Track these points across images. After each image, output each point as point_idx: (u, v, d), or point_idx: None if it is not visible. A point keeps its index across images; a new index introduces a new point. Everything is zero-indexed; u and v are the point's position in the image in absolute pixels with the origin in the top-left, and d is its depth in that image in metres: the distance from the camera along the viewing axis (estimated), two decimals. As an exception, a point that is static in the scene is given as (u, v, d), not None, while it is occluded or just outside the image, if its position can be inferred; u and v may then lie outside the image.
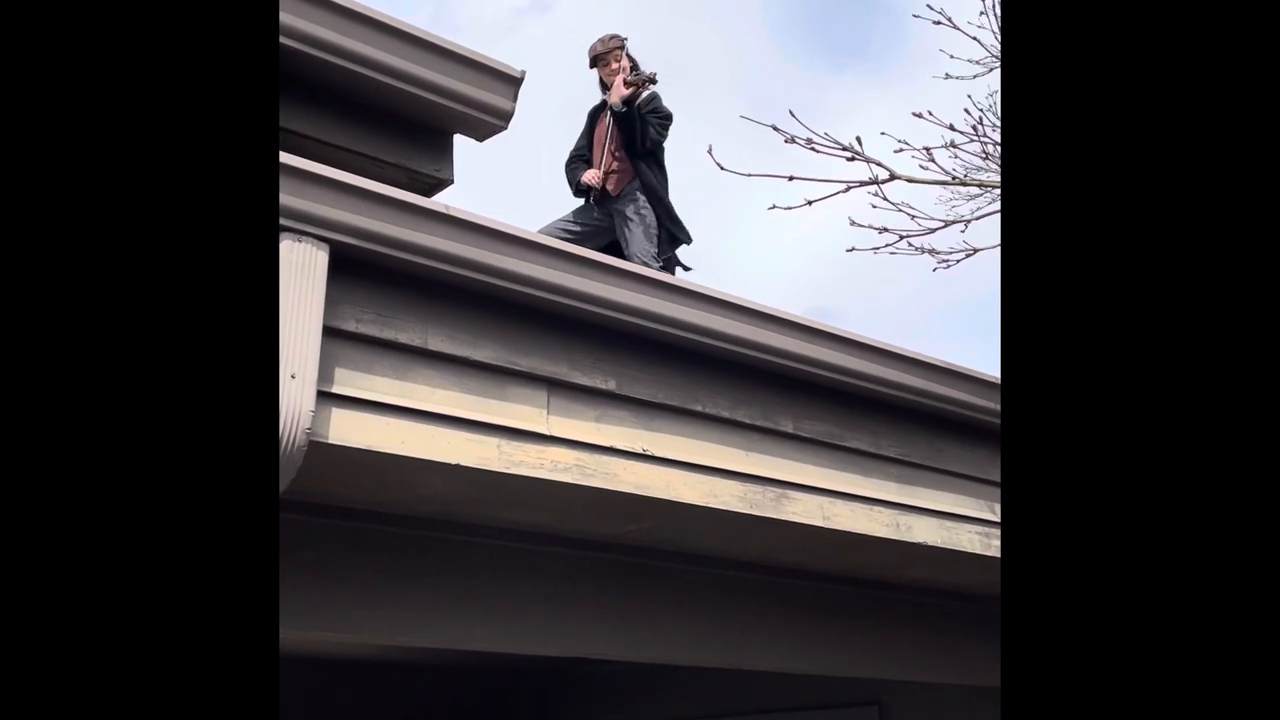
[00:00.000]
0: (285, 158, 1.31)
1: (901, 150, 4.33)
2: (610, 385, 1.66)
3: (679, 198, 4.58)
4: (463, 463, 1.46)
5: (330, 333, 1.36)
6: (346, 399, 1.38)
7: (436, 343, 1.49)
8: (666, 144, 4.63)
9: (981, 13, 5.08)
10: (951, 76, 5.37)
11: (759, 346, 1.84)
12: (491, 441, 1.50)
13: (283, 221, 1.30)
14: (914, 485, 2.08)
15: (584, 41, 4.69)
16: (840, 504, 1.92)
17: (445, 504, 1.68)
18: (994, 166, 5.62)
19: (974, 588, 2.48)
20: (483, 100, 1.75)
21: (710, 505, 1.73)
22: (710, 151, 3.64)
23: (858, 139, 3.95)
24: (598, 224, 4.63)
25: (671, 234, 4.48)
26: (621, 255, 4.35)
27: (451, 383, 1.50)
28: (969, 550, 2.11)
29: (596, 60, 4.65)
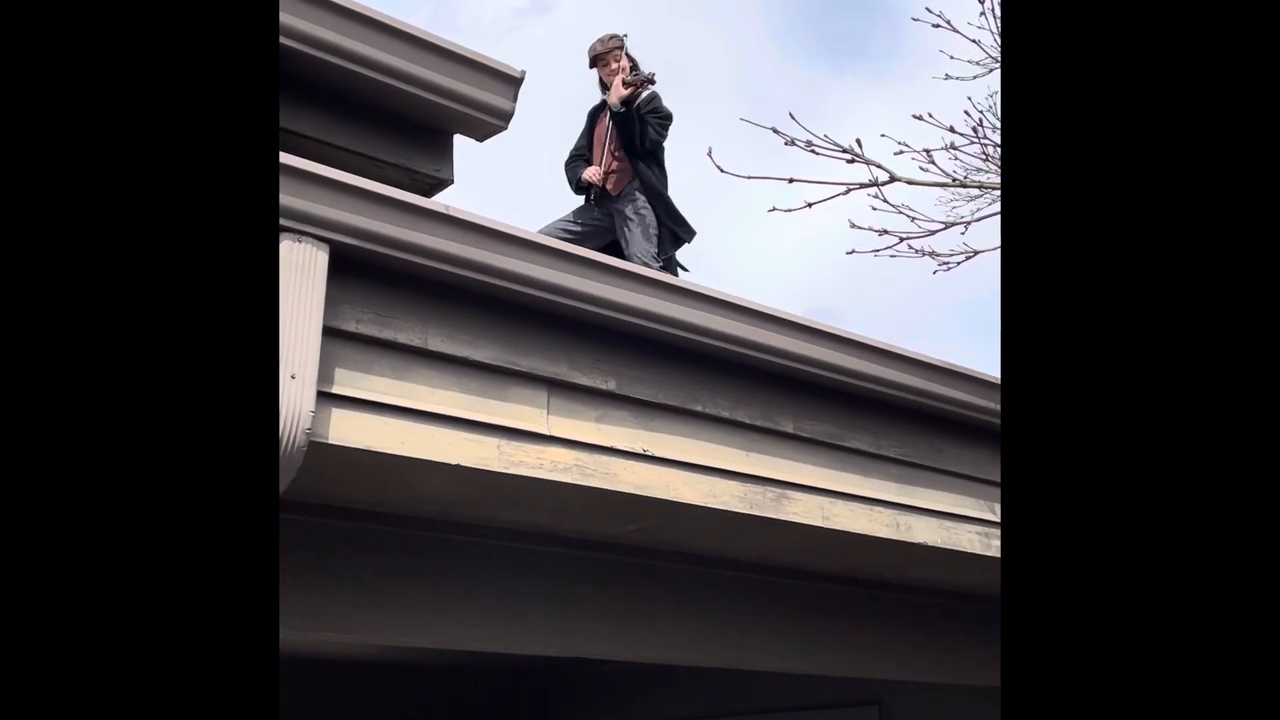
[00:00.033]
0: (285, 158, 1.31)
1: (901, 152, 4.34)
2: (610, 385, 1.66)
3: (680, 198, 4.59)
4: (462, 463, 1.46)
5: (330, 333, 1.36)
6: (346, 399, 1.38)
7: (436, 343, 1.49)
8: (666, 144, 4.63)
9: (981, 14, 5.09)
10: (952, 77, 5.37)
11: (759, 347, 1.84)
12: (491, 442, 1.50)
13: (283, 222, 1.30)
14: (914, 485, 2.08)
15: (584, 42, 4.70)
16: (840, 504, 1.92)
17: (445, 504, 1.68)
18: (994, 168, 5.62)
19: (974, 588, 2.49)
20: (483, 100, 1.75)
21: (710, 505, 1.73)
22: (710, 154, 3.64)
23: (858, 141, 3.96)
24: (598, 224, 4.63)
25: (674, 233, 4.47)
26: (621, 255, 4.35)
27: (451, 383, 1.50)
28: (969, 550, 2.11)
29: (596, 60, 4.65)
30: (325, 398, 1.34)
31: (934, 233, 4.79)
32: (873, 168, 4.08)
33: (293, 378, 1.25)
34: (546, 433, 1.56)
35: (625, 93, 4.44)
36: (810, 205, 3.90)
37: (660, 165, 4.59)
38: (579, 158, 4.73)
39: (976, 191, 6.70)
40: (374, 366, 1.43)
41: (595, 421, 1.64)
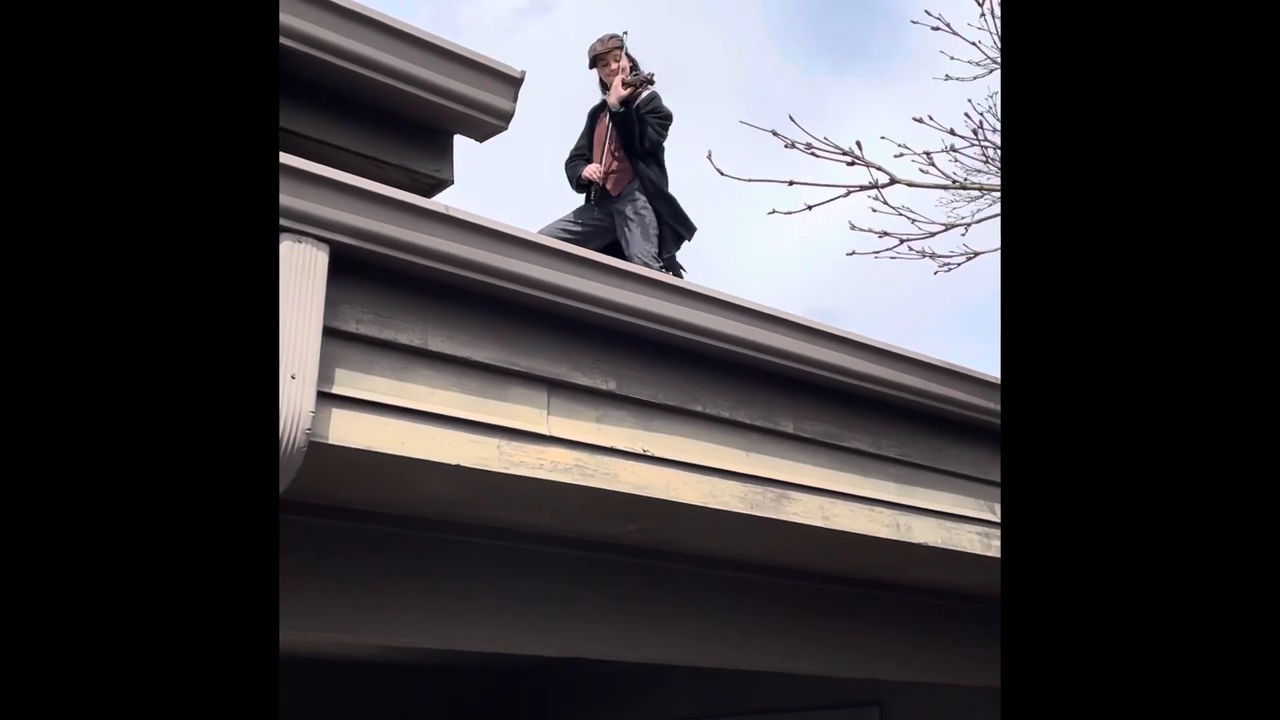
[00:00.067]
0: (285, 158, 1.31)
1: (902, 155, 4.34)
2: (610, 386, 1.67)
3: (681, 198, 4.58)
4: (463, 463, 1.46)
5: (330, 333, 1.36)
6: (346, 399, 1.38)
7: (436, 343, 1.49)
8: (666, 143, 4.63)
9: (981, 15, 5.09)
10: (952, 78, 5.37)
11: (759, 347, 1.84)
12: (491, 442, 1.50)
13: (283, 222, 1.30)
14: (914, 485, 2.08)
15: (584, 42, 4.70)
16: (840, 504, 1.92)
17: (445, 504, 1.68)
18: (994, 170, 5.63)
19: (974, 588, 2.48)
20: (483, 101, 1.75)
21: (710, 506, 1.73)
22: (710, 157, 3.64)
23: (857, 143, 3.96)
24: (598, 224, 4.63)
25: (676, 233, 4.47)
26: (622, 256, 4.35)
27: (451, 383, 1.50)
28: (969, 550, 2.11)
29: (596, 60, 4.66)
30: (325, 398, 1.34)
31: (934, 234, 4.80)
32: (873, 170, 4.09)
33: (293, 378, 1.26)
34: (547, 433, 1.56)
35: (624, 93, 4.44)
36: (810, 208, 3.91)
37: (661, 165, 4.60)
38: (579, 157, 4.73)
39: (977, 192, 6.71)
40: (374, 367, 1.43)
41: (595, 422, 1.64)
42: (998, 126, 5.24)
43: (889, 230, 4.61)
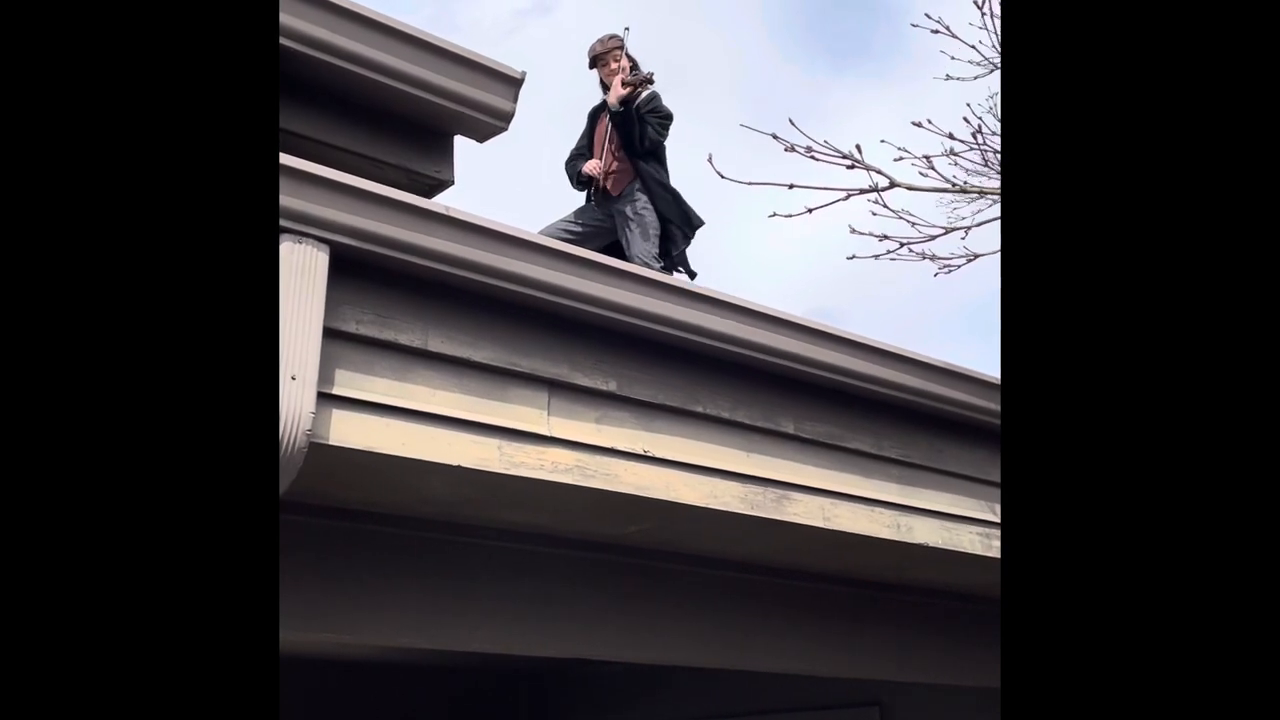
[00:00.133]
0: (285, 159, 1.31)
1: (901, 158, 4.35)
2: (611, 386, 1.66)
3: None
4: (463, 464, 1.46)
5: (330, 334, 1.36)
6: (347, 400, 1.38)
7: (437, 344, 1.49)
8: (667, 143, 4.63)
9: (984, 15, 5.09)
10: (952, 78, 5.37)
11: (760, 347, 1.84)
12: (492, 443, 1.50)
13: (283, 223, 1.30)
14: (915, 486, 2.08)
15: (585, 43, 4.70)
16: (841, 505, 1.92)
17: (445, 505, 1.68)
18: (993, 173, 5.63)
19: (975, 589, 2.48)
20: (483, 101, 1.75)
21: (711, 506, 1.73)
22: (710, 159, 3.65)
23: (857, 147, 3.97)
24: (599, 224, 4.63)
25: (684, 233, 4.46)
26: (623, 256, 4.34)
27: (452, 384, 1.50)
28: (970, 551, 2.10)
29: (596, 60, 4.66)
30: (325, 399, 1.34)
31: (934, 237, 4.80)
32: (872, 173, 4.09)
33: (293, 379, 1.25)
34: (547, 434, 1.56)
35: (624, 92, 4.44)
36: (810, 211, 3.91)
37: (662, 164, 4.59)
38: (579, 157, 4.73)
39: (976, 195, 6.71)
40: (374, 367, 1.43)
41: (596, 422, 1.63)
42: (997, 129, 5.25)
43: (889, 233, 4.62)
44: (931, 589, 2.52)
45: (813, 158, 3.96)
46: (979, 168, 5.63)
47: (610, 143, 4.57)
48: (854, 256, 4.69)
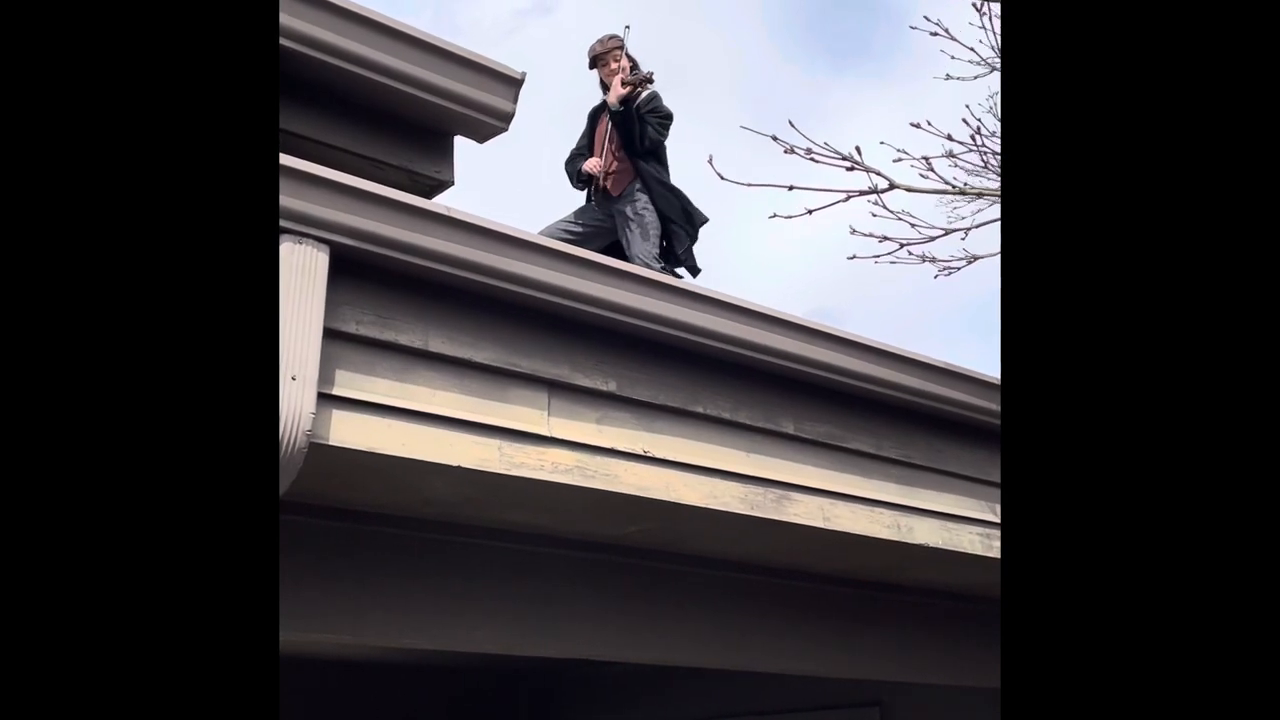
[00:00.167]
0: (285, 159, 1.31)
1: (901, 160, 4.36)
2: (611, 387, 1.66)
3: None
4: (464, 464, 1.46)
5: (331, 334, 1.36)
6: (347, 401, 1.38)
7: (437, 344, 1.49)
8: (668, 143, 4.63)
9: (982, 16, 5.09)
10: (953, 77, 5.38)
11: (760, 348, 1.84)
12: (492, 443, 1.50)
13: (283, 223, 1.30)
14: (915, 486, 2.08)
15: (585, 43, 4.70)
16: (841, 505, 1.92)
17: (446, 505, 1.68)
18: (992, 174, 5.64)
19: (975, 589, 2.48)
20: (483, 102, 1.75)
21: (711, 507, 1.73)
22: (710, 161, 3.65)
23: (857, 149, 3.97)
24: (599, 225, 4.63)
25: (687, 231, 4.45)
26: (623, 256, 4.34)
27: (452, 384, 1.50)
28: (970, 551, 2.10)
29: (596, 61, 4.65)
30: (326, 399, 1.34)
31: (934, 239, 4.81)
32: (872, 175, 4.10)
33: (293, 379, 1.26)
34: (547, 434, 1.56)
35: (624, 92, 4.44)
36: (810, 212, 3.92)
37: (662, 164, 4.59)
38: (579, 157, 4.73)
39: (975, 196, 6.72)
40: (375, 368, 1.43)
41: (596, 423, 1.64)
42: (995, 130, 5.25)
43: (889, 235, 4.63)
44: (932, 589, 2.52)
45: (812, 159, 3.96)
46: (978, 169, 5.64)
47: (610, 142, 4.56)
48: (854, 257, 4.69)
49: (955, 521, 2.10)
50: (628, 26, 4.65)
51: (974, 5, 4.92)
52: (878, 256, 4.71)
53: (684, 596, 2.14)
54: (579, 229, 4.61)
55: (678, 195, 4.48)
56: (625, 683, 4.88)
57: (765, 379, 1.89)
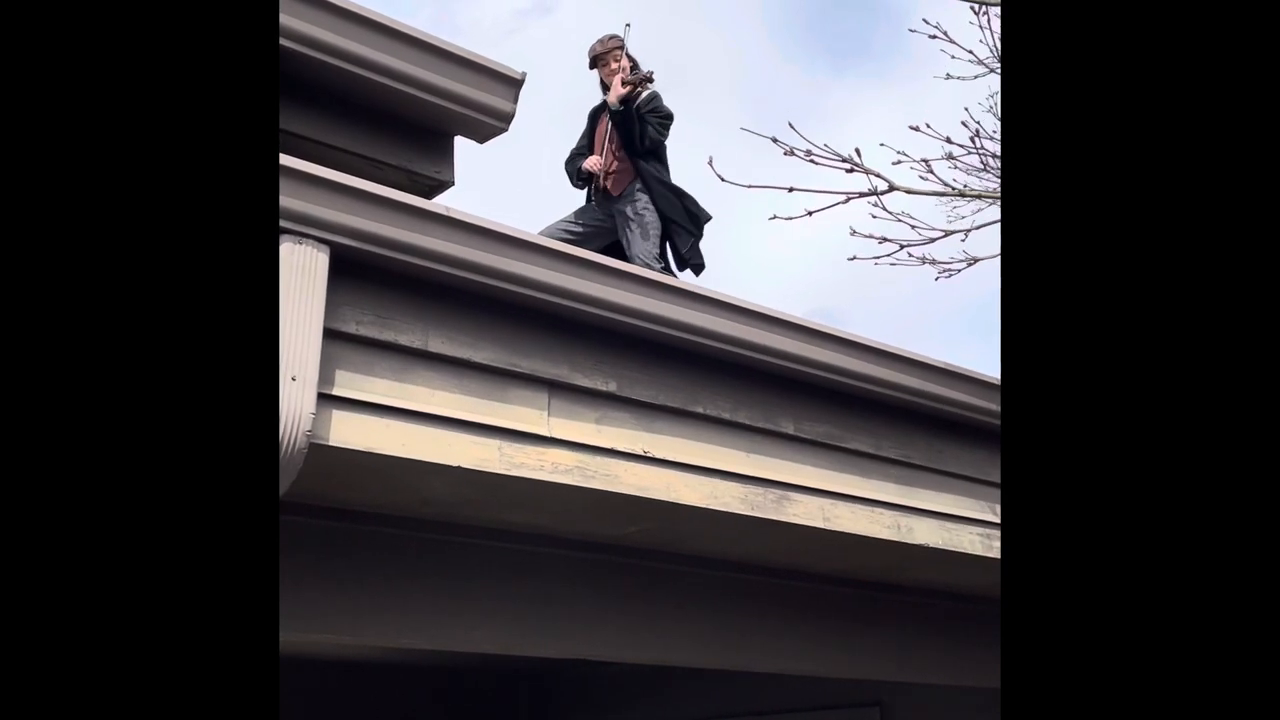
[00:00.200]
0: (285, 160, 1.31)
1: (900, 162, 4.37)
2: (611, 387, 1.66)
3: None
4: (463, 465, 1.46)
5: (331, 335, 1.36)
6: (347, 401, 1.38)
7: (437, 344, 1.49)
8: (668, 142, 4.63)
9: (980, 15, 5.10)
10: (953, 77, 5.38)
11: (760, 348, 1.84)
12: (492, 443, 1.50)
13: (283, 224, 1.30)
14: (915, 487, 2.08)
15: (585, 43, 4.70)
16: (841, 505, 1.92)
17: (446, 506, 1.68)
18: (992, 176, 5.65)
19: (975, 589, 2.48)
20: (483, 102, 1.75)
21: (711, 507, 1.73)
22: (711, 162, 3.66)
23: (856, 151, 3.99)
24: (599, 225, 4.63)
25: (689, 230, 4.45)
26: (623, 256, 4.34)
27: (452, 384, 1.50)
28: (970, 552, 2.10)
29: (596, 61, 4.65)
30: (326, 399, 1.34)
31: (934, 240, 4.82)
32: (872, 177, 4.11)
33: (293, 380, 1.25)
34: (547, 434, 1.56)
35: (624, 91, 4.44)
36: (810, 214, 3.93)
37: (663, 164, 4.59)
38: (579, 156, 4.73)
39: (975, 197, 6.73)
40: (374, 368, 1.43)
41: (596, 423, 1.64)
42: (994, 132, 5.26)
43: (889, 236, 4.64)
44: (932, 589, 2.52)
45: (812, 161, 3.98)
46: (977, 170, 5.64)
47: (611, 142, 4.56)
48: (854, 258, 4.70)
49: (955, 522, 2.10)
50: (628, 25, 4.65)
51: (971, 9, 4.93)
52: (878, 258, 4.72)
53: (684, 597, 2.14)
54: (579, 229, 4.61)
55: (679, 195, 4.47)
56: (624, 683, 4.88)
57: (765, 379, 1.89)
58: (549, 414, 1.58)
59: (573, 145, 4.81)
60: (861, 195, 4.14)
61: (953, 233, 5.05)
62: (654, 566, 2.07)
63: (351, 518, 1.70)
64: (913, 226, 4.66)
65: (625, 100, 4.45)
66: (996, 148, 5.28)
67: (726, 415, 1.81)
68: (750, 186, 3.73)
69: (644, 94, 4.52)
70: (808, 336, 1.90)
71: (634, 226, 4.46)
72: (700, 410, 1.77)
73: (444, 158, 1.82)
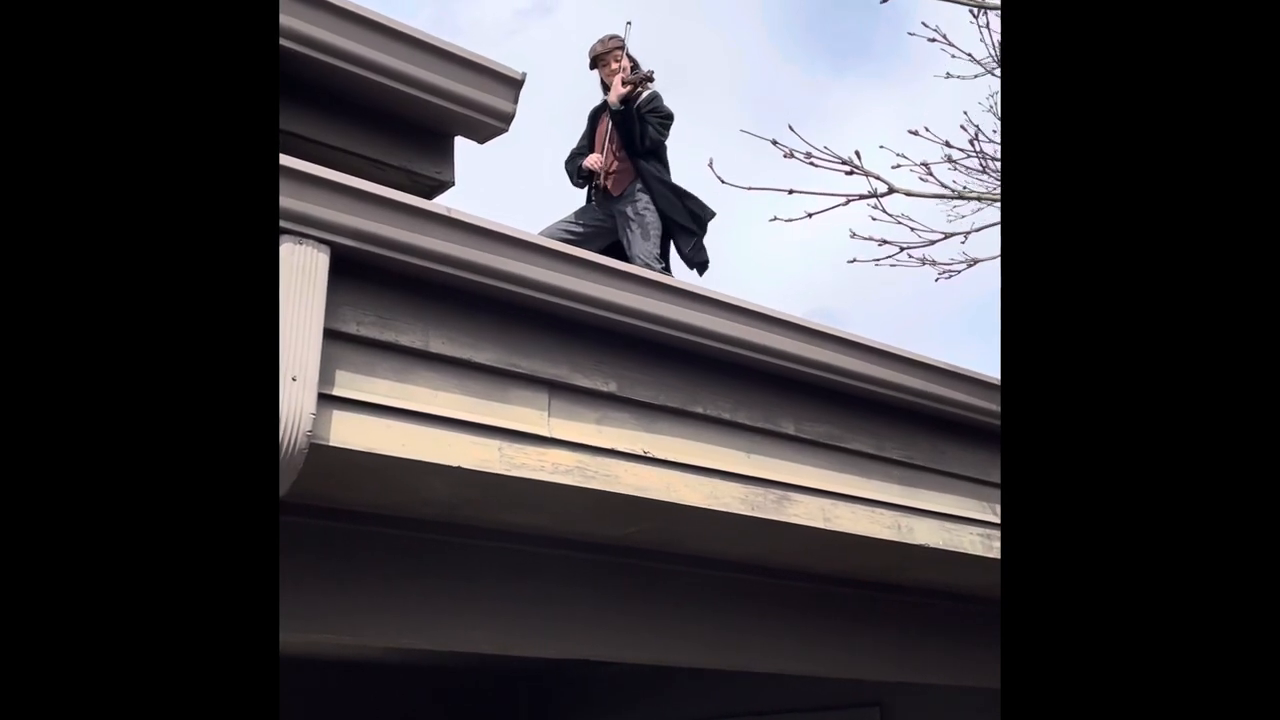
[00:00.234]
0: (286, 160, 1.31)
1: (899, 165, 4.38)
2: (611, 387, 1.66)
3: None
4: (464, 465, 1.46)
5: (331, 335, 1.36)
6: (347, 401, 1.38)
7: (437, 345, 1.49)
8: (669, 142, 4.63)
9: (983, 19, 5.10)
10: (954, 76, 5.39)
11: (760, 348, 1.84)
12: (493, 444, 1.50)
13: (283, 224, 1.30)
14: (916, 487, 2.08)
15: (586, 44, 4.70)
16: (842, 506, 1.92)
17: (446, 506, 1.68)
18: (991, 178, 5.66)
19: (976, 589, 2.48)
20: (483, 102, 1.75)
21: (711, 507, 1.73)
22: (711, 165, 3.66)
23: (856, 153, 3.99)
24: (600, 225, 4.63)
25: (691, 229, 4.44)
26: (624, 257, 4.34)
27: (453, 385, 1.50)
28: (971, 552, 2.10)
29: (597, 61, 4.66)
30: (326, 400, 1.34)
31: (934, 242, 4.83)
32: (871, 179, 4.12)
33: (294, 380, 1.26)
34: (548, 435, 1.56)
35: (624, 91, 4.44)
36: (810, 216, 3.94)
37: (663, 164, 4.59)
38: (580, 156, 4.73)
39: (974, 199, 6.73)
40: (375, 369, 1.43)
41: (596, 423, 1.64)
42: (994, 132, 5.27)
43: (889, 238, 4.65)
44: (932, 590, 2.52)
45: (812, 164, 3.98)
46: (976, 172, 5.65)
47: (611, 142, 4.57)
48: (854, 261, 4.71)
49: (956, 522, 2.10)
50: (629, 23, 4.65)
51: (970, 12, 4.93)
52: (878, 261, 4.73)
53: (684, 597, 2.14)
54: (580, 229, 4.61)
55: (679, 194, 4.47)
56: (624, 683, 4.88)
57: (765, 379, 1.89)
58: (549, 414, 1.58)
59: (573, 145, 4.81)
60: (861, 197, 4.15)
61: (952, 235, 5.07)
62: (654, 567, 2.07)
63: (352, 518, 1.70)
64: (912, 229, 4.67)
65: (626, 100, 4.45)
66: (996, 150, 5.30)
67: (727, 415, 1.81)
68: (750, 189, 3.74)
69: (644, 94, 4.52)
70: (808, 336, 1.90)
71: (634, 227, 4.46)
72: (700, 410, 1.77)
73: (444, 158, 1.82)
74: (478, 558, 1.85)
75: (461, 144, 1.85)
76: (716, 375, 1.82)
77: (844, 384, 1.97)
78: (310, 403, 1.27)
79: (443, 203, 1.57)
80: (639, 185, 4.50)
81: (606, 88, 4.61)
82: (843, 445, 1.97)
